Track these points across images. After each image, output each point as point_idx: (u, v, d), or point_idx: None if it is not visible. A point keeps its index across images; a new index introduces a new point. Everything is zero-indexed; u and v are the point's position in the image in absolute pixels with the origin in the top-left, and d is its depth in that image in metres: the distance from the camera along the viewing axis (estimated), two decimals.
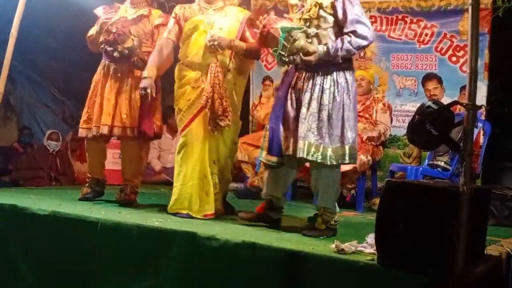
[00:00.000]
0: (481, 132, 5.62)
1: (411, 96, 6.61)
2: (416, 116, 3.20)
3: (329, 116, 3.67)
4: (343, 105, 3.70)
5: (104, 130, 4.61)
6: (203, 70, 4.29)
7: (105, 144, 4.90)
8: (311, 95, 3.72)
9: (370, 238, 3.26)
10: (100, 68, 4.78)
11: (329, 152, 3.65)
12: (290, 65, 3.89)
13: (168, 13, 4.78)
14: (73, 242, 3.88)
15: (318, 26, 3.75)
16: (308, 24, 3.76)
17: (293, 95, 3.83)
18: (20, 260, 4.01)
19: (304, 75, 3.80)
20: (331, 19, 3.74)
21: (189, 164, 4.26)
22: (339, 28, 3.74)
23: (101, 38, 4.55)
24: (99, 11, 4.75)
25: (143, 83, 4.34)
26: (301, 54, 3.65)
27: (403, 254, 2.83)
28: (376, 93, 6.54)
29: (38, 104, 9.05)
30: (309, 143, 3.65)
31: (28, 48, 8.11)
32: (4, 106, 8.47)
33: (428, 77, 6.22)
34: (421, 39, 6.56)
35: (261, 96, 7.21)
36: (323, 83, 3.71)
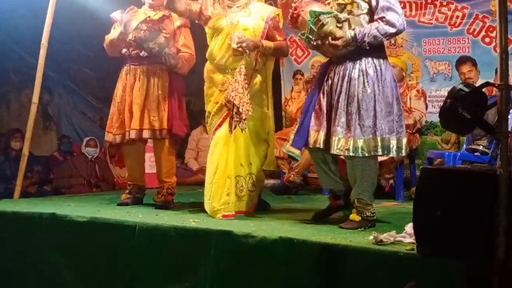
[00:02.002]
0: None
1: (445, 81, 6.50)
2: (448, 100, 3.13)
3: (359, 108, 3.61)
4: (374, 95, 3.63)
5: (133, 134, 4.64)
6: (229, 73, 4.27)
7: (143, 146, 4.93)
8: (341, 87, 3.68)
9: (409, 227, 3.20)
10: (124, 72, 4.79)
11: (360, 144, 3.60)
12: (326, 59, 3.88)
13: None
14: (112, 247, 3.92)
15: (350, 12, 3.70)
16: (341, 9, 3.72)
17: (325, 88, 3.80)
18: (62, 268, 4.07)
19: (335, 67, 3.77)
20: (364, 5, 3.69)
21: (213, 164, 4.26)
22: (372, 15, 3.70)
23: (130, 36, 4.55)
24: (117, 15, 4.75)
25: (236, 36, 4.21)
26: (329, 38, 3.61)
27: (442, 242, 2.77)
28: (410, 80, 6.46)
29: (76, 113, 9.21)
30: (338, 138, 3.63)
31: (63, 58, 8.29)
32: (43, 116, 8.66)
33: (461, 60, 6.07)
34: (452, 22, 6.44)
35: (292, 91, 7.19)
36: (351, 73, 3.66)
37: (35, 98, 5.40)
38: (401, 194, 5.41)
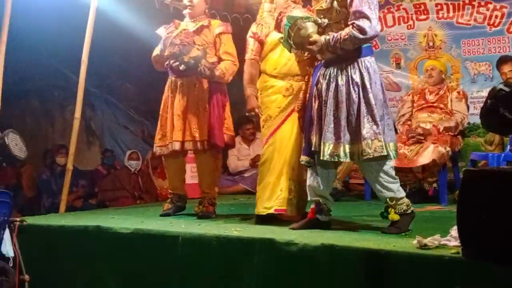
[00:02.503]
0: None
1: (486, 82, 6.39)
2: (488, 101, 3.09)
3: (348, 114, 3.61)
4: (358, 100, 3.60)
5: (176, 146, 4.69)
6: (293, 79, 4.33)
7: (184, 158, 4.98)
8: (329, 92, 3.67)
9: (454, 230, 3.15)
10: (167, 85, 4.86)
11: (348, 149, 3.61)
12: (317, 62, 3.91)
13: (227, 22, 4.82)
14: (156, 257, 3.96)
15: (330, 19, 3.70)
16: (321, 16, 3.71)
17: (316, 92, 3.81)
18: (108, 279, 4.13)
19: (324, 71, 3.76)
20: (344, 11, 3.66)
21: (270, 165, 4.30)
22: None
23: (166, 52, 4.61)
24: (161, 31, 4.83)
25: (248, 105, 4.43)
26: (306, 43, 3.62)
27: (487, 245, 2.72)
28: (450, 82, 6.37)
29: (118, 126, 9.39)
30: (328, 144, 3.63)
31: (104, 73, 8.47)
32: (86, 131, 8.86)
33: (502, 60, 5.95)
34: (491, 22, 6.34)
35: None
36: (338, 80, 3.65)
37: (77, 114, 5.52)
38: (445, 197, 5.32)
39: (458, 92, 5.78)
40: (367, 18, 3.56)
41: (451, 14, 6.55)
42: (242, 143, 7.47)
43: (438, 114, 5.63)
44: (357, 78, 3.62)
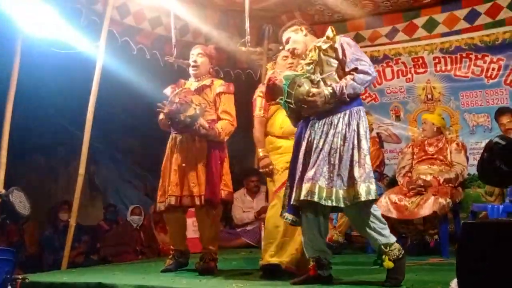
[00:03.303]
0: None
1: (485, 133, 6.49)
2: (485, 154, 3.12)
3: (340, 159, 3.63)
4: (353, 146, 3.65)
5: (172, 200, 4.73)
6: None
7: (183, 214, 5.00)
8: (324, 139, 3.69)
9: (454, 283, 3.14)
10: (169, 141, 4.93)
11: (341, 194, 3.60)
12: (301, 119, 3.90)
13: (231, 81, 4.92)
14: None
15: (322, 71, 3.78)
16: (311, 69, 3.79)
17: (305, 145, 3.79)
18: None
19: (315, 124, 3.78)
20: (334, 62, 3.77)
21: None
22: (343, 71, 3.77)
23: (166, 110, 4.69)
24: (167, 91, 4.93)
25: (262, 163, 4.52)
26: (306, 97, 3.65)
27: None
28: (449, 133, 6.44)
29: (121, 181, 9.44)
30: (320, 186, 3.59)
31: (109, 129, 8.57)
32: (89, 187, 8.90)
33: (501, 112, 6.04)
34: (489, 74, 6.48)
35: None
36: (335, 127, 3.69)
37: (82, 170, 5.57)
38: (446, 249, 5.30)
39: (457, 144, 5.82)
40: (365, 61, 3.73)
41: (449, 67, 6.70)
42: (246, 195, 7.50)
43: (438, 165, 5.66)
44: (354, 125, 3.68)
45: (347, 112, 3.71)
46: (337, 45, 3.76)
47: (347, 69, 3.73)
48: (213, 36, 6.78)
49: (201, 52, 4.95)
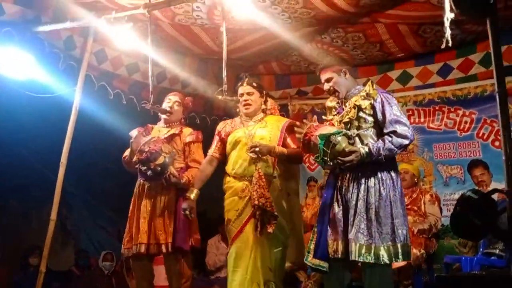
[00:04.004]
0: None
1: (459, 185, 6.58)
2: (458, 207, 3.18)
3: (377, 215, 3.67)
4: (390, 202, 3.70)
5: (142, 248, 4.69)
6: (248, 180, 4.36)
7: (150, 262, 4.94)
8: (358, 195, 3.74)
9: None
10: (136, 187, 4.92)
11: (382, 251, 3.63)
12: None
13: (208, 127, 4.96)
14: None
15: (358, 127, 3.84)
16: (348, 126, 3.86)
17: (339, 196, 3.85)
18: None
19: (348, 175, 3.84)
20: (370, 119, 3.82)
21: (240, 272, 4.24)
22: (379, 127, 3.82)
23: (135, 158, 4.71)
24: (133, 132, 4.95)
25: (184, 205, 4.54)
26: (342, 157, 3.71)
27: None
28: (423, 185, 6.51)
29: (94, 226, 9.30)
30: (360, 244, 3.64)
31: (83, 172, 8.48)
32: (62, 231, 8.73)
33: (473, 164, 6.15)
34: (461, 127, 6.62)
35: (306, 197, 7.23)
36: (367, 182, 3.75)
37: (53, 215, 5.48)
38: None
39: (431, 195, 5.89)
40: (404, 124, 3.76)
41: (422, 119, 6.82)
42: (221, 242, 7.45)
43: (412, 216, 5.69)
44: (387, 180, 3.74)
45: (381, 168, 3.77)
46: (376, 103, 3.81)
47: (385, 130, 3.77)
48: (190, 82, 6.84)
49: (178, 101, 5.06)
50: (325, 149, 3.71)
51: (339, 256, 3.75)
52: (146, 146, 4.67)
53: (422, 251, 5.39)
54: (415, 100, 6.85)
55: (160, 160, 4.63)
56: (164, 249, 4.69)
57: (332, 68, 4.01)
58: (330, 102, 4.29)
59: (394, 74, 6.94)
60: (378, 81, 6.89)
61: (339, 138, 3.72)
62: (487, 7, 3.00)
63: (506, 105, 3.14)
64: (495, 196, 3.85)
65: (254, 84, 4.57)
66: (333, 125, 3.99)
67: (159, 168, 4.63)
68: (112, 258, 7.44)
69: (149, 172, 4.65)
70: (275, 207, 4.23)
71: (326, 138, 3.72)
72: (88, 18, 5.17)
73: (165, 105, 5.03)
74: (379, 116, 3.79)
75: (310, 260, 3.86)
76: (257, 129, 4.49)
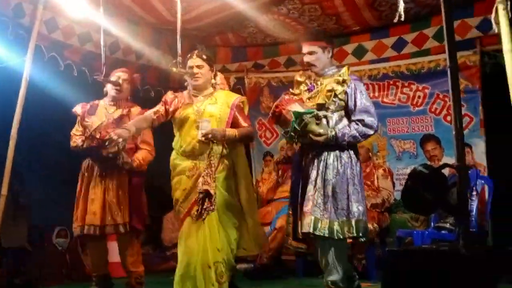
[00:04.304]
0: (486, 189, 5.54)
1: (411, 159, 6.65)
2: (409, 182, 3.21)
3: (333, 190, 3.78)
4: (347, 179, 3.81)
5: (92, 230, 4.63)
6: (197, 159, 4.30)
7: (104, 240, 4.89)
8: (317, 171, 3.85)
9: None
10: (84, 167, 4.84)
11: (336, 226, 3.72)
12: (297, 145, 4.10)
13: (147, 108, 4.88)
14: None
15: (327, 109, 3.93)
16: (319, 107, 3.93)
17: (303, 174, 3.95)
18: None
19: (310, 154, 3.95)
20: (340, 103, 3.92)
21: (189, 253, 4.16)
22: (346, 112, 3.94)
23: (85, 145, 4.62)
24: (78, 109, 4.91)
25: (117, 132, 4.21)
26: (311, 135, 3.82)
27: None
28: (376, 159, 6.57)
29: (48, 201, 9.10)
30: (316, 217, 3.72)
31: (35, 143, 8.23)
32: (14, 206, 8.53)
33: (426, 139, 6.23)
34: (415, 102, 6.67)
35: (262, 172, 7.23)
36: (326, 159, 3.86)
37: (4, 191, 5.33)
38: (374, 274, 5.38)
39: (384, 170, 5.96)
40: (372, 114, 3.90)
41: (376, 93, 6.85)
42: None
43: (365, 191, 5.75)
44: (346, 158, 3.87)
45: (341, 149, 3.88)
46: (349, 90, 3.91)
47: (353, 117, 3.90)
48: (144, 53, 6.70)
49: (127, 79, 4.96)
50: (296, 126, 3.81)
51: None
52: (96, 132, 4.59)
53: (375, 225, 5.48)
54: (370, 74, 6.86)
55: (112, 148, 4.55)
56: (122, 229, 4.66)
57: (318, 43, 4.05)
58: (300, 77, 4.28)
59: (350, 47, 6.93)
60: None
61: (310, 119, 3.82)
62: None
63: (457, 81, 3.17)
64: (445, 171, 3.92)
65: (204, 57, 4.45)
66: (302, 101, 4.05)
67: (111, 156, 4.58)
68: (66, 234, 7.30)
69: (99, 160, 4.65)
70: (215, 194, 4.18)
71: (300, 116, 3.81)
72: None
73: (113, 78, 4.93)
74: (350, 103, 3.91)
75: (290, 242, 3.99)
76: (206, 105, 4.39)
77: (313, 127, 3.81)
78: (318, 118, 3.84)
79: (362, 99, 3.90)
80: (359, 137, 3.87)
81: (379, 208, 5.66)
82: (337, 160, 3.84)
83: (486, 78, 6.16)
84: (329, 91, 3.92)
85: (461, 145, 3.04)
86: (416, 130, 6.64)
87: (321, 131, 3.81)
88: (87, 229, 4.63)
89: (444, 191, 3.19)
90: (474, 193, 5.09)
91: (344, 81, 3.93)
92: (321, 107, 3.93)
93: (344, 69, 4.01)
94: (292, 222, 3.94)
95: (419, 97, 6.63)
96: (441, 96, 6.49)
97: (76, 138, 4.82)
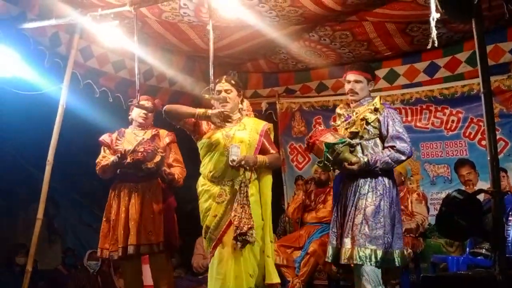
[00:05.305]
0: None
1: (446, 184, 6.58)
2: (443, 208, 3.19)
3: (366, 220, 3.87)
4: (380, 210, 3.89)
5: (131, 250, 4.68)
6: (226, 184, 4.31)
7: (139, 261, 4.94)
8: (352, 202, 3.97)
9: None
10: (116, 190, 4.90)
11: (366, 253, 3.82)
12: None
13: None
14: None
15: (361, 137, 4.06)
16: (352, 136, 4.07)
17: (339, 203, 4.11)
18: None
19: (347, 183, 4.08)
20: (374, 131, 4.05)
21: (222, 280, 4.15)
22: (381, 140, 4.06)
23: (129, 159, 4.68)
24: (105, 138, 5.04)
25: (213, 113, 4.27)
26: (345, 164, 3.93)
27: None
28: (410, 184, 6.52)
29: (81, 225, 9.23)
30: (346, 248, 3.88)
31: (69, 170, 8.39)
32: (48, 229, 8.67)
33: (460, 163, 6.19)
34: (448, 126, 6.62)
35: (294, 195, 7.21)
36: (361, 189, 3.96)
37: (40, 215, 5.44)
38: None
39: (418, 194, 5.90)
40: (405, 140, 3.98)
41: (409, 118, 6.82)
42: None
43: None
44: (380, 189, 3.95)
45: (377, 177, 3.99)
46: (381, 118, 4.04)
47: (386, 144, 4.01)
48: (177, 80, 6.81)
49: (151, 107, 5.05)
50: (329, 156, 3.93)
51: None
52: (140, 147, 4.67)
53: (409, 250, 5.40)
54: (402, 99, 6.84)
55: (157, 158, 4.72)
56: (156, 249, 4.72)
57: (365, 74, 4.24)
58: (340, 110, 4.44)
59: (382, 72, 6.92)
60: None
61: (342, 148, 3.93)
62: (472, 8, 3.00)
63: (491, 106, 3.15)
64: (480, 196, 3.88)
65: (233, 82, 4.49)
66: (336, 130, 4.23)
67: (154, 168, 4.68)
68: (97, 257, 7.38)
69: (141, 173, 4.71)
70: (245, 220, 4.17)
71: (331, 147, 3.92)
72: (74, 15, 5.12)
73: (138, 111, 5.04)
74: (383, 130, 4.02)
75: (333, 268, 4.48)
76: (235, 131, 4.41)
77: (346, 155, 3.93)
78: (352, 146, 3.96)
79: (395, 126, 4.00)
80: (392, 162, 3.95)
81: (413, 233, 5.59)
82: (372, 191, 3.94)
83: None
84: (362, 120, 4.05)
85: (496, 169, 3.00)
86: (450, 154, 6.58)
87: (354, 159, 3.91)
88: (128, 249, 4.66)
89: (479, 217, 3.15)
90: (510, 218, 5.00)
91: (376, 110, 4.04)
92: (355, 135, 4.05)
93: (377, 98, 4.14)
94: (331, 245, 4.11)
95: (452, 121, 6.58)
96: (475, 120, 6.43)
97: (104, 160, 4.88)
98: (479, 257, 5.15)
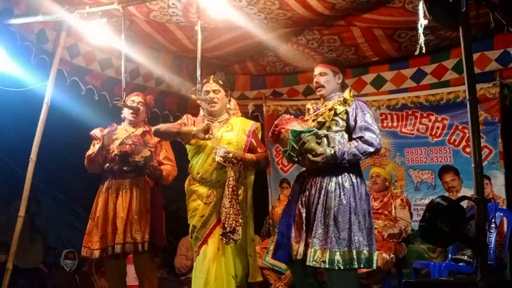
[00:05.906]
0: (505, 222, 5.48)
1: (429, 190, 6.60)
2: (427, 214, 3.20)
3: (335, 220, 3.70)
4: (350, 208, 3.73)
5: (118, 249, 4.63)
6: (214, 186, 4.31)
7: (124, 260, 4.90)
8: (318, 199, 3.78)
9: None
10: (103, 188, 4.84)
11: (337, 256, 3.65)
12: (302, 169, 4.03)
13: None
14: None
15: (328, 128, 3.90)
16: (320, 126, 3.91)
17: (303, 199, 3.90)
18: None
19: (312, 179, 3.90)
20: (342, 123, 3.90)
21: (204, 280, 4.15)
22: (348, 133, 3.90)
23: (116, 151, 4.65)
24: (96, 132, 4.95)
25: (200, 128, 4.21)
26: (309, 155, 3.77)
27: None
28: (394, 189, 6.54)
29: (63, 223, 9.16)
30: (315, 249, 3.68)
31: (53, 168, 8.33)
32: (30, 227, 8.58)
33: (444, 170, 6.22)
34: (433, 133, 6.64)
35: (279, 199, 7.22)
36: (328, 186, 3.79)
37: (22, 212, 5.38)
38: None
39: (402, 200, 5.92)
40: (373, 131, 3.81)
41: (395, 123, 6.84)
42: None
43: (382, 220, 5.73)
44: (347, 186, 3.77)
45: (343, 174, 3.81)
46: (350, 109, 3.88)
47: (353, 135, 3.85)
48: (164, 80, 6.78)
49: (142, 101, 5.03)
50: (294, 145, 3.77)
51: (299, 258, 3.78)
52: (128, 139, 4.65)
53: (392, 255, 5.42)
54: (388, 104, 6.85)
55: (145, 152, 4.67)
56: (140, 248, 4.66)
57: (331, 66, 4.09)
58: (310, 105, 4.31)
59: (369, 77, 6.94)
60: (352, 84, 6.89)
61: (309, 137, 3.77)
62: (460, 15, 3.02)
63: (477, 113, 3.18)
64: (464, 203, 3.90)
65: (220, 82, 4.47)
66: (303, 120, 4.09)
67: (142, 161, 4.64)
68: (74, 256, 7.35)
69: (126, 167, 4.65)
70: (232, 216, 4.13)
71: (297, 135, 3.77)
72: (61, 13, 5.08)
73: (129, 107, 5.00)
74: (351, 121, 3.86)
75: (268, 260, 3.96)
76: (223, 132, 4.40)
77: (313, 145, 3.77)
78: (318, 137, 3.81)
79: (364, 117, 3.85)
80: (360, 154, 3.78)
81: (396, 239, 5.61)
82: (339, 188, 3.77)
83: (506, 111, 6.14)
84: (330, 110, 3.92)
85: (480, 177, 3.03)
86: (434, 160, 6.60)
87: (320, 150, 3.77)
88: (111, 248, 4.63)
89: (462, 223, 3.17)
90: (493, 225, 5.02)
91: (345, 101, 3.91)
92: (321, 126, 3.91)
93: (347, 90, 3.99)
94: (276, 241, 3.92)
95: (438, 127, 6.60)
96: (460, 127, 6.46)
97: (90, 150, 4.86)
98: (461, 264, 5.16)
